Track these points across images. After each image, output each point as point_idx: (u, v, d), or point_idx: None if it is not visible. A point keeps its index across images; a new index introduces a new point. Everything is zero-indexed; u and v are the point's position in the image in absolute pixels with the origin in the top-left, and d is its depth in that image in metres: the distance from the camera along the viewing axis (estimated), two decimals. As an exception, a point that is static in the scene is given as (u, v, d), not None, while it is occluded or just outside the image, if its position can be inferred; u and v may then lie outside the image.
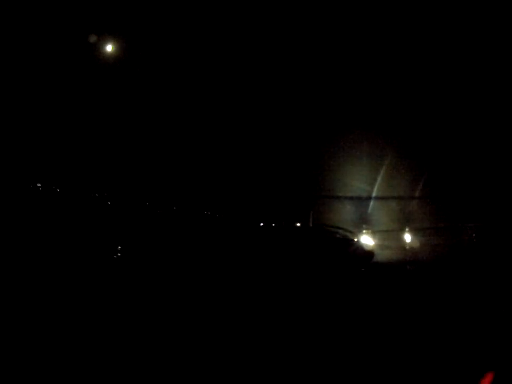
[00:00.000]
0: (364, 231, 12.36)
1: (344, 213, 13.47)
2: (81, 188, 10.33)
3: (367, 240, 11.86)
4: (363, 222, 13.10)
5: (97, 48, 10.68)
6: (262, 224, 11.29)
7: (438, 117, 13.85)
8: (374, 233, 12.47)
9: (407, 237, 13.52)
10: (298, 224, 12.19)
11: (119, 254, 8.94)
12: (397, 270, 11.01)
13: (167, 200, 11.20)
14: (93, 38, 10.52)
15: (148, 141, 11.64)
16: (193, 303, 6.51)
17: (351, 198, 13.49)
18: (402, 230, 13.53)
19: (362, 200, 13.53)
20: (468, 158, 13.98)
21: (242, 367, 4.65)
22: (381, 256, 11.42)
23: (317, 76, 13.52)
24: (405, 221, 13.89)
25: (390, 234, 13.28)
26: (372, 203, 13.40)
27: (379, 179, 13.32)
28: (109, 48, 10.73)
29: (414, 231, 13.75)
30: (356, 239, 11.36)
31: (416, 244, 13.57)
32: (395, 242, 13.21)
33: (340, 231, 11.29)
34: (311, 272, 8.76)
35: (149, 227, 9.77)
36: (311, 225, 12.29)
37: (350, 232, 11.54)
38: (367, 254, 10.72)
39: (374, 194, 13.42)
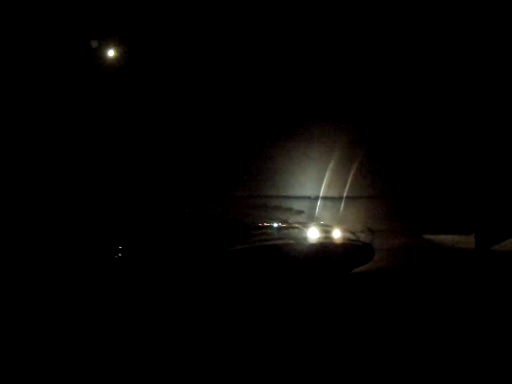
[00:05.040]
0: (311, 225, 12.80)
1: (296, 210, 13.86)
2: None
3: (314, 232, 12.26)
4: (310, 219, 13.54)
5: (99, 53, 10.72)
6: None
7: (387, 115, 13.87)
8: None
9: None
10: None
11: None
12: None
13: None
14: (94, 43, 10.55)
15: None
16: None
17: (299, 198, 13.84)
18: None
19: (310, 199, 13.89)
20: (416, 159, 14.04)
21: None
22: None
23: (260, 72, 13.39)
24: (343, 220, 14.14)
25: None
26: (318, 202, 13.71)
27: (325, 179, 13.55)
28: (111, 53, 10.77)
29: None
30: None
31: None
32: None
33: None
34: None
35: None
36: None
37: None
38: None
39: (320, 193, 13.67)
